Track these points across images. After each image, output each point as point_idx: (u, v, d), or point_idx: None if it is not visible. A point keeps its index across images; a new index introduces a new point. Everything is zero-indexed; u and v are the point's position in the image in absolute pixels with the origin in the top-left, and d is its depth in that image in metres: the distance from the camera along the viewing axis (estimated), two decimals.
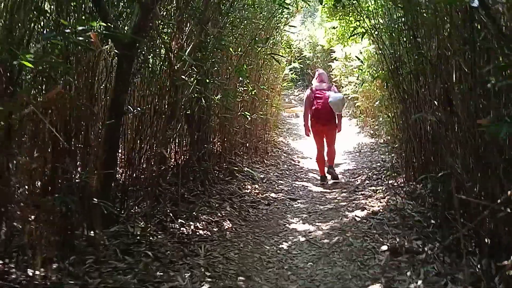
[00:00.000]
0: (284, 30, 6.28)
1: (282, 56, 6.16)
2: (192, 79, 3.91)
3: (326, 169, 5.43)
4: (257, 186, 4.77)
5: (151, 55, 3.59)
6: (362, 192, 4.53)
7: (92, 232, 2.77)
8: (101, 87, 3.16)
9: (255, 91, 5.14)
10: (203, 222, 3.47)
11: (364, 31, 4.45)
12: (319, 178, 5.53)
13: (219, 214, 3.69)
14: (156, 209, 3.53)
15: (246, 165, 5.56)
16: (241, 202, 4.16)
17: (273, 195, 4.58)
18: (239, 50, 5.14)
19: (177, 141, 4.14)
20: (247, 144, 6.11)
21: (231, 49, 4.91)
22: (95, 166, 2.83)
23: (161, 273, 2.51)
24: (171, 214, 3.44)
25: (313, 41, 13.49)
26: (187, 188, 4.07)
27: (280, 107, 8.42)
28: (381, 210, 3.78)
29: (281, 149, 7.25)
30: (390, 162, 5.98)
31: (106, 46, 3.00)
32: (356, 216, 3.73)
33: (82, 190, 2.62)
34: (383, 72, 4.62)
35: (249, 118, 4.98)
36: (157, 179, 3.65)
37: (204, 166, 3.99)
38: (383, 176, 5.12)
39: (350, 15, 6.92)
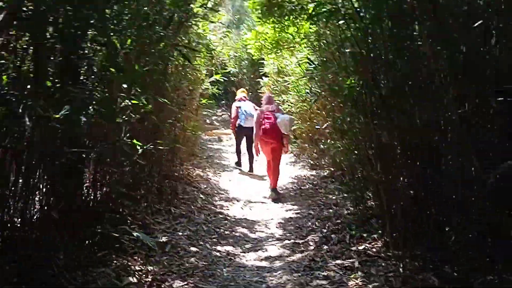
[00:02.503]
0: (202, 17, 4.42)
1: (193, 49, 4.26)
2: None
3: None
4: (150, 267, 2.78)
5: None
6: (325, 273, 2.77)
7: None
8: None
9: (150, 106, 3.19)
10: None
11: (333, 9, 2.80)
12: (268, 194, 5.46)
13: None
14: None
15: (139, 220, 3.56)
16: None
17: (176, 284, 2.64)
18: (129, 42, 3.20)
19: None
20: (145, 185, 4.11)
21: (115, 40, 2.98)
22: None
23: None
24: None
25: (238, 54, 11.86)
26: None
27: (198, 130, 6.51)
28: None
29: (198, 187, 5.29)
30: (345, 208, 4.37)
31: None
32: None
33: None
34: (351, 82, 2.97)
35: (140, 150, 3.01)
36: None
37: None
38: (347, 235, 3.45)
39: (289, 16, 5.35)
